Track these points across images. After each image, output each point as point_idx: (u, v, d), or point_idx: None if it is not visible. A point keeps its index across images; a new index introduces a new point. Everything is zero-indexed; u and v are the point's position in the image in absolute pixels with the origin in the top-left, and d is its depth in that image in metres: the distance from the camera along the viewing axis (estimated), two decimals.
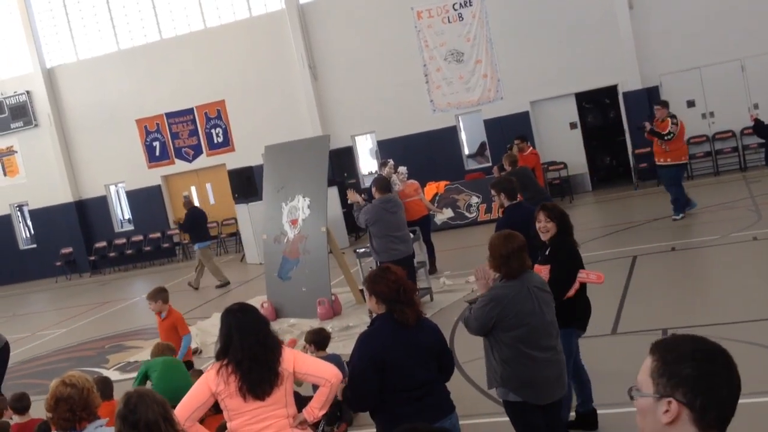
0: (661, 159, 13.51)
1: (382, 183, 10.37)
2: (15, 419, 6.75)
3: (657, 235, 12.72)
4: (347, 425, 7.09)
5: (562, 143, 19.02)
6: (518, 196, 8.02)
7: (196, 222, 15.87)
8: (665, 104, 13.92)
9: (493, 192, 8.24)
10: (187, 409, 4.31)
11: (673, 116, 13.43)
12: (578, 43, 18.43)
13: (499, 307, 4.85)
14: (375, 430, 4.69)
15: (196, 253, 16.38)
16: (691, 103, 18.23)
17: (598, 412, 6.22)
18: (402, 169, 13.42)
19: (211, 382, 4.31)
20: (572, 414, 6.15)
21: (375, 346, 4.48)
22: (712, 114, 17.94)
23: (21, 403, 6.74)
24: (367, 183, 21.00)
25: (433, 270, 12.76)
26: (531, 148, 15.95)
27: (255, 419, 4.30)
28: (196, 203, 22.43)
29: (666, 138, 13.19)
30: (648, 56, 18.20)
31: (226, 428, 4.67)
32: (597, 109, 20.45)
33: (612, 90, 18.91)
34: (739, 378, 1.93)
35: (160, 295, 8.64)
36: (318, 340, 7.36)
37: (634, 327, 8.33)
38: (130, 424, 3.47)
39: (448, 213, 17.29)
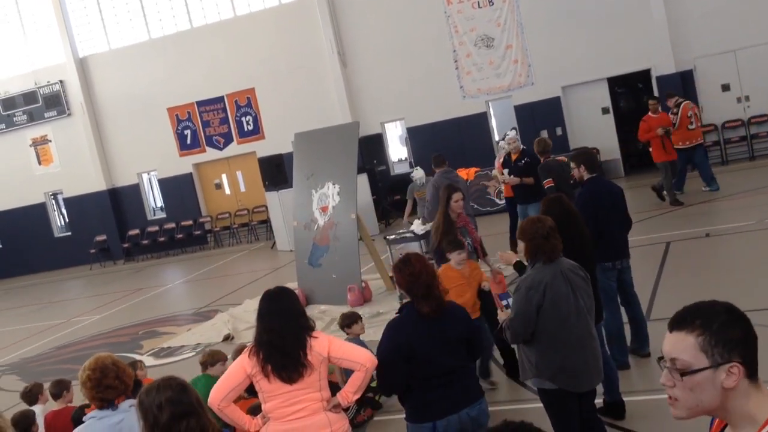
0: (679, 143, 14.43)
1: (438, 158, 11.03)
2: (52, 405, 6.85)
3: (691, 221, 12.56)
4: (374, 411, 7.11)
5: (594, 128, 18.80)
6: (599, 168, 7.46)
7: None
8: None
9: (572, 164, 7.62)
10: (222, 389, 4.37)
11: (679, 105, 14.52)
12: (610, 26, 18.16)
13: (539, 291, 4.77)
14: (404, 415, 4.69)
15: None
16: (726, 87, 17.92)
17: (631, 399, 6.14)
18: (511, 133, 12.53)
19: (247, 364, 4.36)
20: (598, 401, 6.06)
21: (400, 335, 4.50)
22: (747, 98, 17.62)
23: (57, 389, 6.81)
24: (396, 170, 20.99)
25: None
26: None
27: (288, 402, 4.33)
28: (227, 191, 22.84)
29: (673, 129, 14.31)
30: (682, 39, 17.89)
31: (256, 409, 4.69)
32: (630, 93, 20.17)
33: (645, 74, 18.63)
34: None
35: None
36: (347, 323, 7.35)
37: (668, 314, 8.17)
38: (145, 407, 3.47)
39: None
